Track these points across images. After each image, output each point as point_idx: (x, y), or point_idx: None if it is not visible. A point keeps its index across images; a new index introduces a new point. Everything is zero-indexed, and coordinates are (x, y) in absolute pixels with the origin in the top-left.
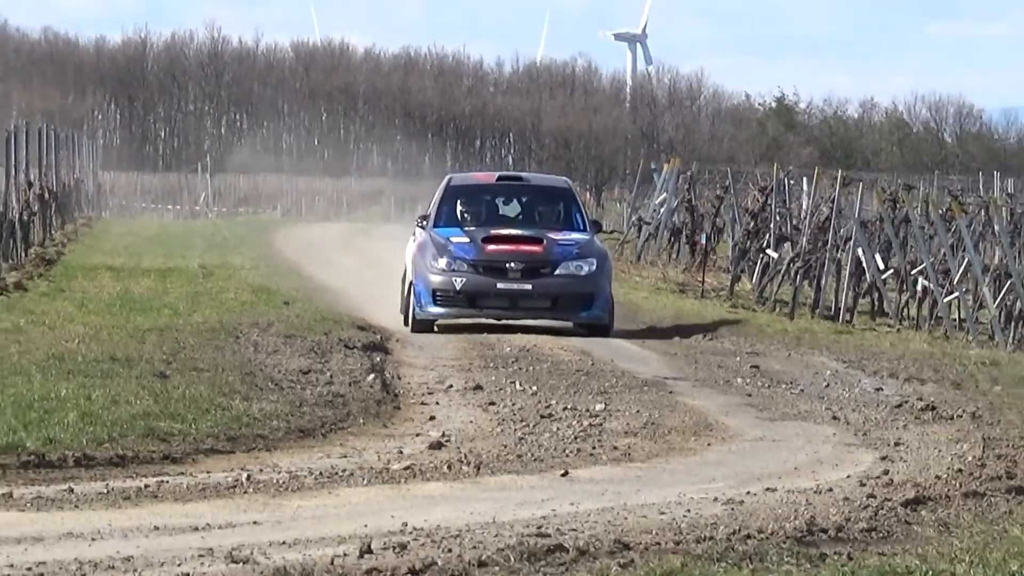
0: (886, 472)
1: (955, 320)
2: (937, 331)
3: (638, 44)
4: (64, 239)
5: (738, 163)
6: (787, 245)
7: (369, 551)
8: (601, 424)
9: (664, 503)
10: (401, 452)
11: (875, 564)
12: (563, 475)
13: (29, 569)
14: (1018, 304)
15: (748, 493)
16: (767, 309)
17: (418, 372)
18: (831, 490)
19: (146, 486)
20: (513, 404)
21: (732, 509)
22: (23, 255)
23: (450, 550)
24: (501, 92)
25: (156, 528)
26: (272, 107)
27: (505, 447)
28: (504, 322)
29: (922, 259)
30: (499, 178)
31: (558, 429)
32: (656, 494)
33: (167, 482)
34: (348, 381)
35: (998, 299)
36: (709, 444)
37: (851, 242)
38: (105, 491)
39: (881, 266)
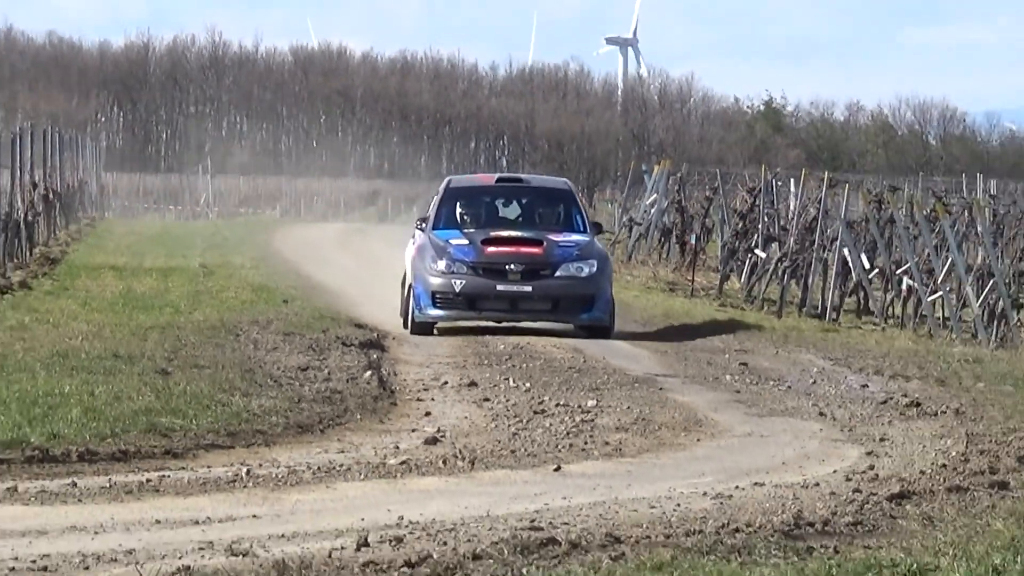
0: (871, 467)
1: (939, 318)
2: (921, 329)
3: (629, 48)
4: (68, 239)
5: (727, 165)
6: (775, 245)
7: (366, 544)
8: (593, 420)
9: (654, 497)
10: (397, 447)
11: (861, 557)
12: (556, 470)
13: (33, 562)
14: (1000, 303)
15: (737, 488)
16: (755, 308)
17: (414, 369)
18: (818, 485)
19: (148, 480)
20: (507, 400)
21: (721, 503)
22: (28, 254)
23: (445, 543)
24: (495, 95)
25: (157, 521)
26: (271, 110)
27: (499, 442)
28: (504, 324)
29: (907, 259)
30: (499, 180)
31: (551, 425)
32: (647, 489)
33: (168, 476)
34: (345, 378)
35: (981, 298)
36: (698, 440)
37: (837, 242)
38: (108, 485)
39: (867, 266)
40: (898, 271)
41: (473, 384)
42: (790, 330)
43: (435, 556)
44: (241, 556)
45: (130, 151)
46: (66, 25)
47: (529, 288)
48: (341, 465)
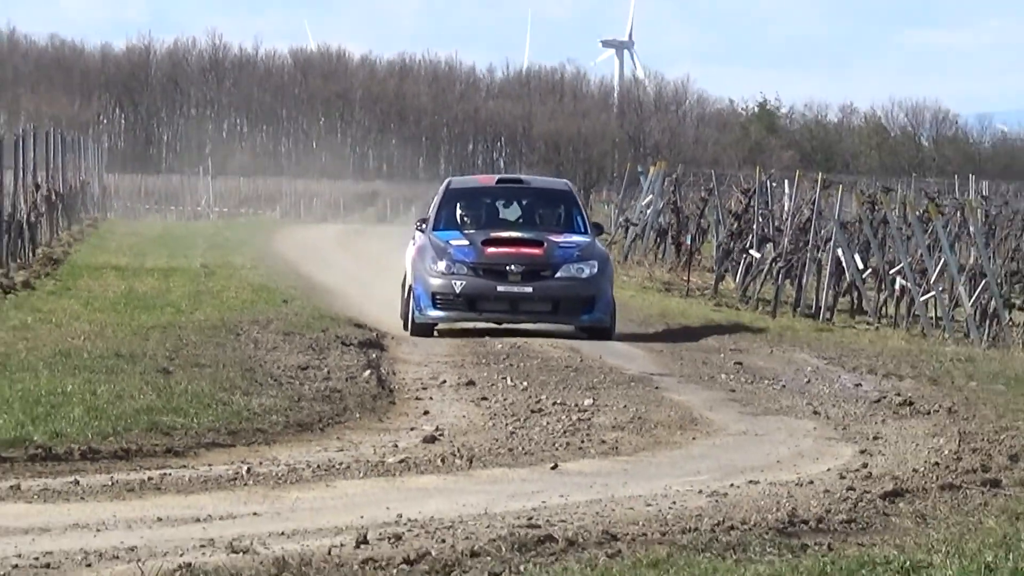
0: (865, 465)
1: (932, 318)
2: (914, 329)
3: (625, 51)
4: (70, 239)
5: (722, 166)
6: (769, 245)
7: (365, 541)
8: (589, 419)
9: (650, 495)
10: (396, 446)
11: (854, 554)
12: (553, 468)
13: (36, 559)
14: (992, 303)
15: (732, 485)
16: (750, 307)
17: (412, 368)
18: (812, 483)
19: (149, 478)
20: (504, 399)
21: (716, 501)
22: (31, 255)
23: (443, 540)
24: (492, 97)
25: (159, 519)
26: (271, 112)
27: (497, 441)
28: (505, 326)
29: (900, 259)
30: (499, 181)
31: (548, 423)
32: (643, 486)
33: (170, 475)
34: (345, 377)
35: (973, 298)
36: (694, 438)
37: (831, 242)
38: (110, 483)
39: (860, 266)
40: (891, 271)
41: (471, 383)
42: (784, 329)
43: (434, 553)
44: (242, 553)
45: (131, 152)
46: (68, 28)
47: (530, 289)
48: (340, 463)
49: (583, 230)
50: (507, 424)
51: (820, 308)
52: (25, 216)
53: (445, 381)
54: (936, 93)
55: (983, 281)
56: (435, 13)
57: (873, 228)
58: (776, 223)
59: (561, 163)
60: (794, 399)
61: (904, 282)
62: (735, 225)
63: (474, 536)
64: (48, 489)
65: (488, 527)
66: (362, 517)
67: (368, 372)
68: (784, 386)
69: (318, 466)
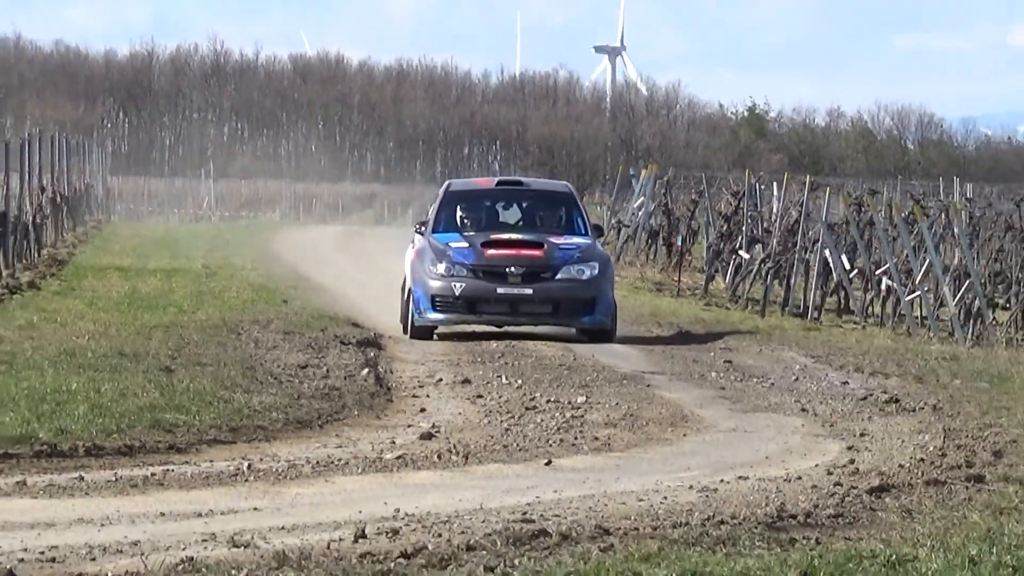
0: (852, 461)
1: (917, 317)
2: (900, 328)
3: (619, 57)
4: (75, 241)
5: (712, 169)
6: (758, 246)
7: (363, 536)
8: (583, 416)
9: (642, 491)
10: (393, 442)
11: (842, 548)
12: (547, 464)
13: (42, 553)
14: (976, 302)
15: (722, 481)
16: (739, 307)
17: (409, 367)
18: (800, 478)
19: (152, 474)
20: (499, 397)
21: (707, 496)
22: (36, 256)
23: (440, 535)
24: (488, 102)
25: (162, 514)
26: (271, 116)
27: (492, 437)
28: (505, 329)
29: (886, 260)
30: (499, 183)
31: (542, 420)
32: (635, 482)
33: (172, 471)
34: (343, 375)
35: (958, 297)
36: (685, 435)
37: (819, 244)
38: (114, 479)
39: (847, 266)
40: (877, 271)
41: (467, 381)
42: (773, 328)
43: (430, 547)
44: (243, 548)
45: (135, 156)
46: (73, 34)
47: (530, 291)
48: (339, 459)
49: (583, 232)
50: (502, 421)
51: (808, 308)
52: (31, 218)
53: (441, 379)
54: (921, 97)
55: (967, 281)
56: (431, 19)
57: (860, 229)
58: (765, 225)
59: (555, 166)
60: (783, 397)
61: (890, 282)
62: (725, 227)
63: (470, 530)
64: (53, 485)
65: (483, 522)
66: (360, 512)
67: (366, 371)
68: (773, 384)
69: (317, 462)
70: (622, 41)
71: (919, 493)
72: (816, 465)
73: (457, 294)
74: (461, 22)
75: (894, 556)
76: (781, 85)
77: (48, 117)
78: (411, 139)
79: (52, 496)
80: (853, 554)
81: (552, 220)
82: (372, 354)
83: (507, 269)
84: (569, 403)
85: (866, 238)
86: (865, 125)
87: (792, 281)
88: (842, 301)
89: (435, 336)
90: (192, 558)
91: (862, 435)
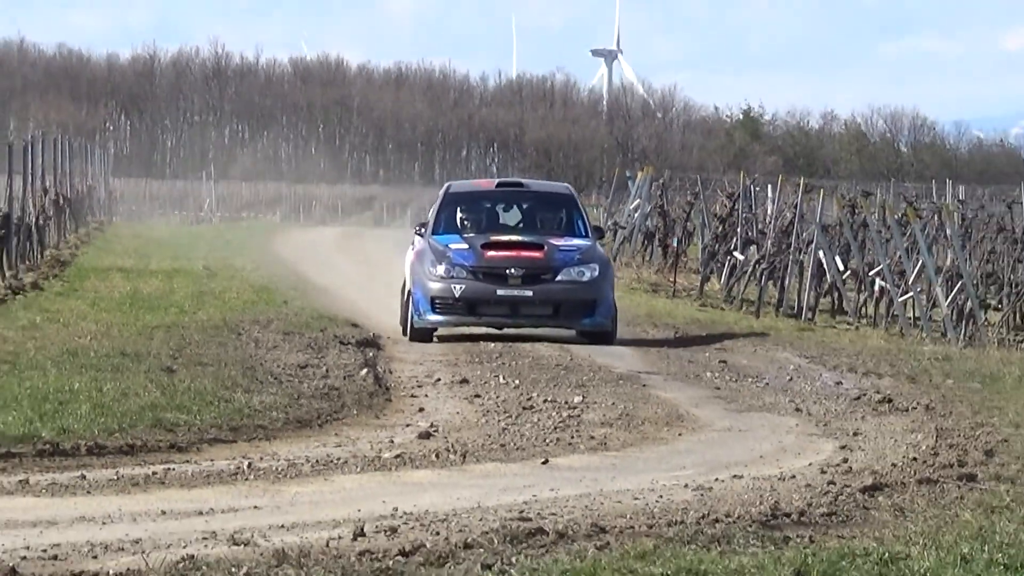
0: (845, 460)
1: (910, 318)
2: (893, 328)
3: (615, 59)
4: (77, 242)
5: (707, 171)
6: (753, 248)
7: (362, 534)
8: (579, 415)
9: (638, 489)
10: (392, 441)
11: (835, 546)
12: (543, 463)
13: (44, 551)
14: (968, 303)
15: (716, 480)
16: (734, 308)
17: (408, 367)
18: (794, 477)
19: (154, 473)
20: (497, 396)
21: (701, 495)
22: (39, 257)
23: (438, 533)
24: (486, 105)
25: (163, 512)
26: (272, 118)
27: (489, 437)
28: (505, 331)
29: (879, 261)
30: (499, 184)
31: (539, 420)
32: (630, 481)
33: (173, 469)
34: (343, 375)
35: (950, 298)
36: (680, 434)
37: (813, 245)
38: (115, 478)
39: (841, 267)
40: (871, 273)
41: (465, 381)
42: (768, 329)
43: (428, 545)
44: (243, 546)
45: (136, 158)
46: (75, 38)
47: (530, 292)
48: (338, 458)
49: (584, 234)
50: (499, 421)
51: (802, 308)
52: (34, 219)
53: (439, 379)
54: (914, 101)
55: (959, 282)
56: (430, 23)
57: (853, 231)
58: (759, 226)
59: (552, 168)
60: (777, 396)
61: (883, 283)
62: (720, 228)
63: (467, 529)
64: (56, 483)
65: (481, 520)
66: (359, 510)
67: (365, 370)
68: (767, 384)
69: (317, 461)
70: (618, 44)
71: (912, 492)
72: (810, 464)
73: (457, 296)
74: (459, 25)
75: (887, 554)
76: (776, 88)
77: (51, 119)
78: (410, 141)
79: (54, 495)
80: (846, 552)
81: (552, 222)
82: (371, 354)
83: (507, 271)
84: (566, 403)
85: (859, 239)
86: (859, 128)
87: (786, 282)
88: (836, 302)
89: (435, 338)
90: (193, 556)
91: (855, 434)
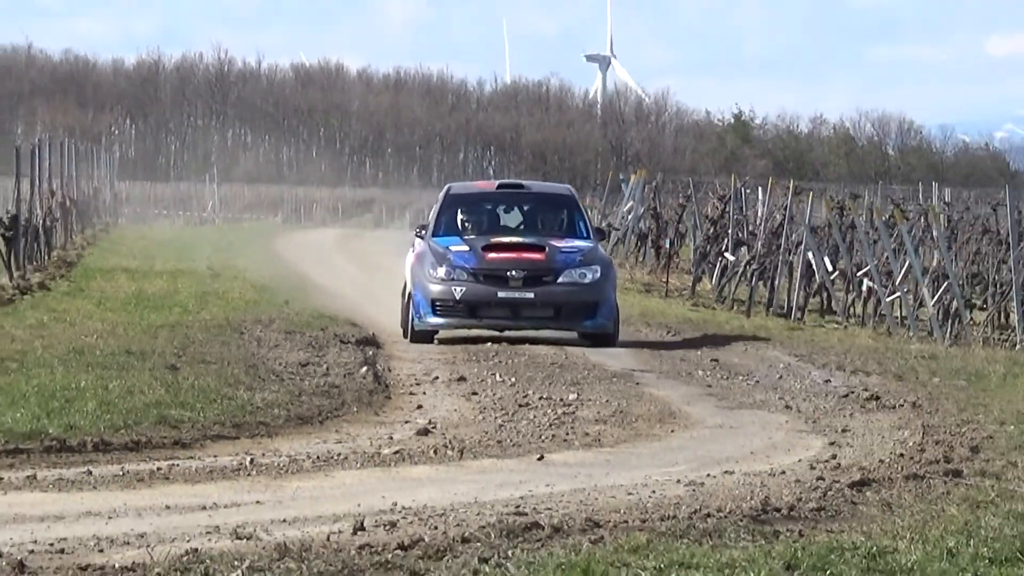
0: (834, 456)
1: (897, 317)
2: (881, 327)
3: (609, 65)
4: (84, 243)
5: (699, 174)
6: (744, 249)
7: (362, 528)
8: (574, 412)
9: (631, 485)
10: (391, 438)
11: (824, 540)
12: (539, 459)
13: (51, 545)
14: (954, 303)
15: (708, 476)
16: (725, 307)
17: (407, 365)
18: (784, 473)
19: (158, 469)
20: (494, 394)
21: (694, 490)
22: (46, 258)
23: (436, 527)
24: (482, 109)
25: (167, 507)
26: (273, 122)
27: (486, 433)
28: (506, 333)
29: (867, 262)
30: (499, 186)
31: (534, 417)
32: (624, 476)
33: (177, 465)
34: (343, 373)
35: (936, 298)
36: (673, 431)
37: (802, 246)
38: (121, 473)
39: (829, 268)
40: (859, 273)
41: (462, 379)
42: (758, 328)
43: (427, 539)
44: (245, 539)
45: (141, 161)
46: (82, 44)
47: (531, 295)
48: (339, 455)
49: (585, 235)
50: (496, 417)
51: (792, 308)
52: (41, 221)
53: (437, 377)
54: (901, 105)
55: (945, 283)
56: (428, 29)
57: (842, 232)
58: (750, 228)
59: (547, 171)
60: (767, 394)
61: (871, 283)
62: (711, 230)
63: (465, 523)
64: (62, 479)
65: (478, 515)
66: (359, 505)
67: (365, 368)
68: (758, 382)
69: (318, 457)
70: (611, 49)
71: (899, 487)
72: (799, 460)
73: (458, 298)
74: (457, 31)
75: (874, 548)
76: (766, 93)
77: (58, 124)
78: (408, 145)
79: (61, 490)
80: (835, 546)
81: (553, 223)
82: (371, 352)
83: (508, 273)
84: (561, 400)
85: (848, 241)
86: (847, 131)
87: (776, 282)
88: (825, 302)
89: (435, 340)
90: (196, 550)
91: (844, 431)
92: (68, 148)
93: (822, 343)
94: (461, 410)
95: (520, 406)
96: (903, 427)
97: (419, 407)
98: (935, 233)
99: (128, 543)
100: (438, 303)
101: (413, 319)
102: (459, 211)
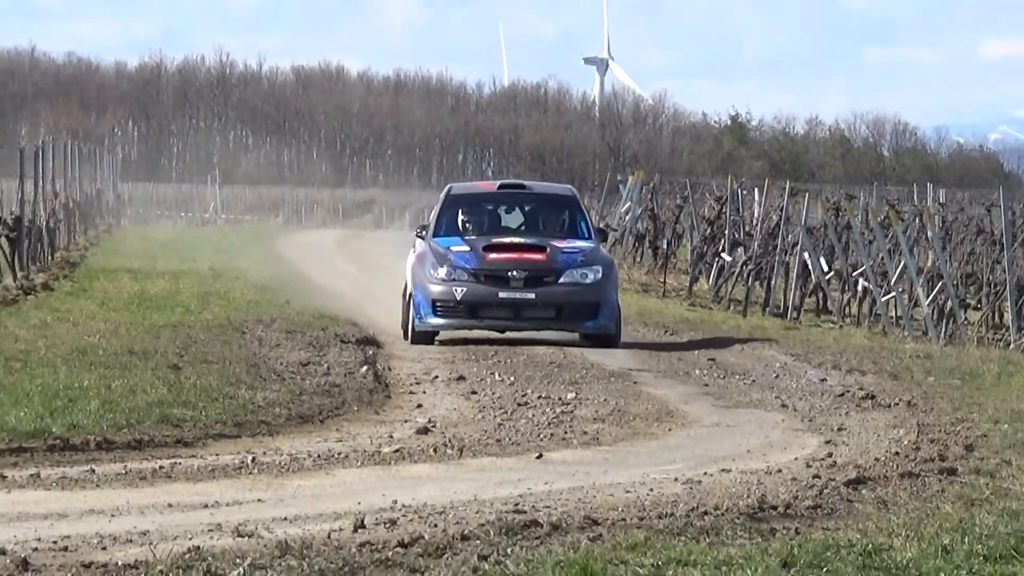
0: (830, 455)
1: (892, 317)
2: (876, 327)
3: (607, 67)
4: (87, 244)
5: (696, 175)
6: (740, 249)
7: (362, 526)
8: (572, 411)
9: (629, 483)
10: (391, 437)
11: (820, 538)
12: (538, 457)
13: (55, 543)
14: (949, 303)
15: (705, 474)
16: (722, 307)
17: (407, 364)
18: (780, 471)
19: (161, 467)
20: (493, 393)
21: (691, 488)
22: (50, 258)
23: (436, 525)
24: (482, 111)
25: (170, 505)
26: (275, 124)
27: (485, 432)
28: (507, 334)
29: (862, 262)
30: (501, 186)
31: (533, 416)
32: (622, 475)
33: (180, 464)
34: (343, 372)
35: (931, 298)
36: (670, 429)
37: (798, 246)
38: (123, 472)
39: (825, 268)
40: (854, 273)
41: (461, 378)
42: (755, 328)
43: (426, 537)
44: (247, 537)
45: (144, 162)
46: (85, 47)
47: (532, 295)
48: (339, 453)
49: (587, 235)
50: (495, 416)
51: (788, 308)
52: (44, 222)
53: (437, 376)
54: (896, 107)
55: (940, 283)
56: (427, 32)
57: (837, 233)
58: (747, 228)
59: (545, 172)
60: (764, 393)
61: (866, 283)
62: (708, 230)
63: (464, 521)
64: (66, 477)
65: (477, 512)
66: (359, 503)
67: (365, 368)
68: (754, 381)
69: (318, 456)
70: (609, 52)
71: (894, 485)
72: (795, 458)
73: (458, 299)
74: (456, 34)
75: (870, 545)
76: (762, 95)
77: (61, 125)
78: (408, 146)
79: (64, 488)
80: (831, 543)
81: (555, 224)
82: (371, 352)
83: (509, 273)
84: (559, 399)
85: (843, 241)
86: (842, 133)
87: (773, 282)
88: (820, 302)
89: (436, 342)
90: (198, 547)
91: (839, 430)
92: (71, 150)
93: (818, 342)
94: (460, 409)
95: (519, 405)
96: (898, 426)
97: (419, 406)
98: (930, 234)
99: (131, 541)
100: (439, 304)
101: (414, 320)
102: (460, 211)
